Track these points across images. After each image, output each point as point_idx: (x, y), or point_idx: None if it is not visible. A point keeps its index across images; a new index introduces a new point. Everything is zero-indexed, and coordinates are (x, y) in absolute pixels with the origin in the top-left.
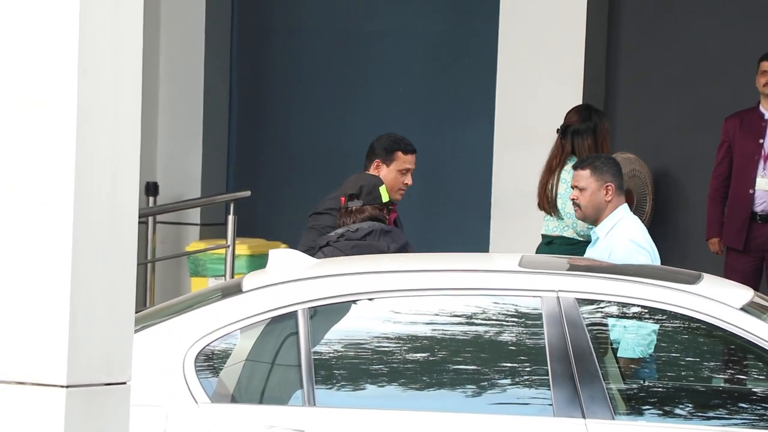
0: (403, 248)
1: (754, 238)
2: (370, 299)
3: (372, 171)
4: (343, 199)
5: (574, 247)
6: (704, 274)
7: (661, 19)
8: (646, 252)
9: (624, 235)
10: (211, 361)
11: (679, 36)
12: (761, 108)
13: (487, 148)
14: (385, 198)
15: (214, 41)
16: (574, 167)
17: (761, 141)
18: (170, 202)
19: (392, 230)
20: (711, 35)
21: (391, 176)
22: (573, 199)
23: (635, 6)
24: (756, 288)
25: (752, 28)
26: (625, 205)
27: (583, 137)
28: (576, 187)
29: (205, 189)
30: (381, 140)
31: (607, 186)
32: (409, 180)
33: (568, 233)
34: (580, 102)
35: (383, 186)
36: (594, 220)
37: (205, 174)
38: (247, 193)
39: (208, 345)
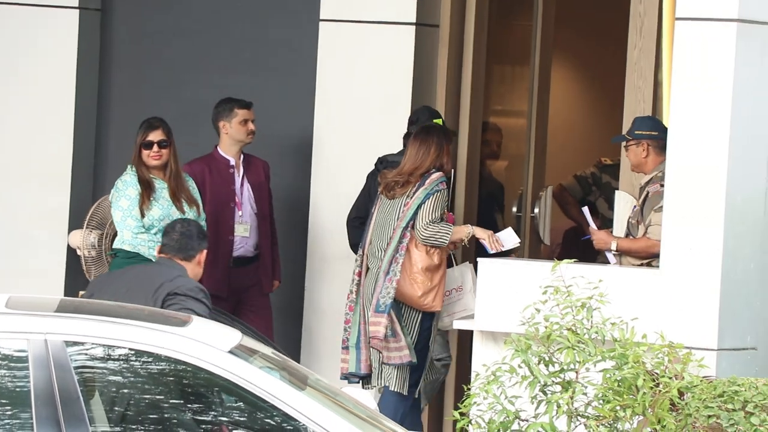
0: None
1: (232, 282)
2: None
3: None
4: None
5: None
6: (194, 317)
7: (152, 67)
8: None
9: None
10: None
11: (169, 83)
12: (223, 154)
13: None
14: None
15: None
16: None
17: (233, 187)
18: None
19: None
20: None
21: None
22: None
23: (125, 57)
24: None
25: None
26: None
27: None
28: None
29: None
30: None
31: None
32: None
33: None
34: (71, 142)
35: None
36: None
37: None
38: None
39: None
